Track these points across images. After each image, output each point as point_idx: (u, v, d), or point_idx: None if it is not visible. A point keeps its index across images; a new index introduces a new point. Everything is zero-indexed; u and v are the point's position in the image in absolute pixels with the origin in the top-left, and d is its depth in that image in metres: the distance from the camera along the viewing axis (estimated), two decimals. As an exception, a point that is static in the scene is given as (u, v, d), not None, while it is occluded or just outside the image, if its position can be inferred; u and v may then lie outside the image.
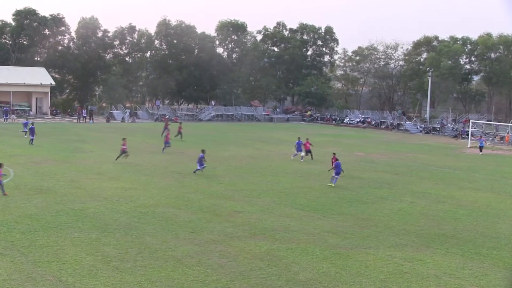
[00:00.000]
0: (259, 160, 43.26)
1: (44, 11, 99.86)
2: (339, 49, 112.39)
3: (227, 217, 24.64)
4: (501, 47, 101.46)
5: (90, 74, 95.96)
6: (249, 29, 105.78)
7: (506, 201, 31.30)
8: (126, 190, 29.32)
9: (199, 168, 35.26)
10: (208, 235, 21.73)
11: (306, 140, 44.01)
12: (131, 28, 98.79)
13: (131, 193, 28.56)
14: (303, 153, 42.61)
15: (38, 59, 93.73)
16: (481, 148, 55.34)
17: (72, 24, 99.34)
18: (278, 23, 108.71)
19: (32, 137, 46.63)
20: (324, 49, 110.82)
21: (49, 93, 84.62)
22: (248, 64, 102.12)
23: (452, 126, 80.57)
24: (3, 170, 27.41)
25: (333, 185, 32.72)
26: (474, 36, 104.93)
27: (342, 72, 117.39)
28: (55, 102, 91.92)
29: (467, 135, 66.91)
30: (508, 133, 69.65)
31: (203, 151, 36.04)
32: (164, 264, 18.16)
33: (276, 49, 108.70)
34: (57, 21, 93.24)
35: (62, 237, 20.52)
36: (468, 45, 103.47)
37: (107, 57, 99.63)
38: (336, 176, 32.97)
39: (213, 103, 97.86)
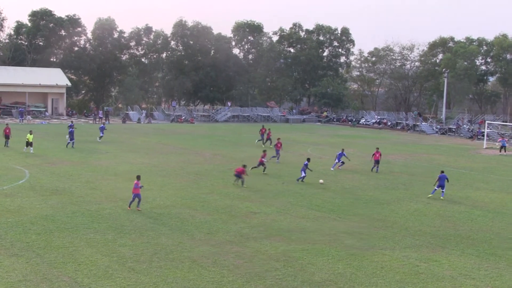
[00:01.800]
0: (274, 161, 43.25)
1: (60, 12, 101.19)
2: (355, 50, 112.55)
3: (243, 218, 24.74)
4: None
5: (106, 75, 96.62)
6: (265, 30, 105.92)
7: (523, 203, 31.09)
8: (142, 191, 29.41)
9: (302, 176, 34.42)
10: (224, 236, 21.83)
11: (278, 140, 44.39)
12: (147, 29, 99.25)
13: (147, 194, 28.71)
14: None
15: (54, 59, 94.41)
16: (503, 148, 55.92)
17: (89, 25, 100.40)
18: (294, 24, 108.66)
19: (70, 141, 46.27)
20: (340, 50, 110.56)
21: (65, 94, 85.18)
22: (264, 65, 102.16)
23: (467, 127, 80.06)
24: None
25: (442, 198, 31.17)
26: (490, 37, 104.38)
27: (358, 73, 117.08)
28: (70, 103, 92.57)
29: (483, 136, 66.46)
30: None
31: (308, 159, 35.39)
32: (180, 265, 18.28)
33: (292, 50, 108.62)
34: (73, 22, 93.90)
35: (78, 238, 20.71)
36: (484, 46, 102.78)
37: (123, 58, 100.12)
38: (442, 190, 31.27)
39: (229, 104, 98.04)
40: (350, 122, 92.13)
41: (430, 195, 31.42)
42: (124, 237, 21.02)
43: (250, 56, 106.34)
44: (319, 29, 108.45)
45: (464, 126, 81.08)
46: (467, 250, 21.22)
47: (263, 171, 36.90)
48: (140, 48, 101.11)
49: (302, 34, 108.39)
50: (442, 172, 31.88)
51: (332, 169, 39.81)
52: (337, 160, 40.51)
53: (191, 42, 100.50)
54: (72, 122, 53.11)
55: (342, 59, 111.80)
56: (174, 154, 45.33)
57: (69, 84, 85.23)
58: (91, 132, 56.12)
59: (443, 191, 31.19)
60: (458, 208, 28.74)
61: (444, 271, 18.73)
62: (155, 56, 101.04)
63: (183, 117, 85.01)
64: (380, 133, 77.62)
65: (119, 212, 24.79)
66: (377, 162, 39.54)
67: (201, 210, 25.85)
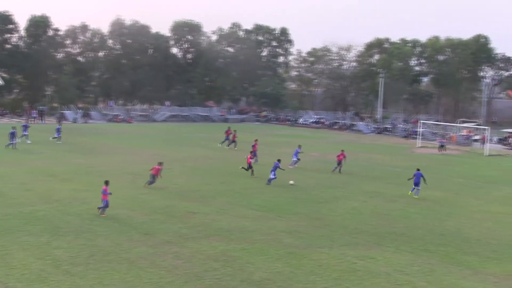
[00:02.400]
0: (215, 161, 43.25)
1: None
2: (293, 50, 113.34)
3: (182, 218, 24.58)
4: (448, 49, 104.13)
5: (41, 74, 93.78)
6: (204, 29, 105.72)
7: (453, 199, 32.17)
8: (79, 192, 28.91)
9: (271, 178, 34.01)
10: (163, 236, 21.64)
11: (255, 141, 44.36)
12: (84, 27, 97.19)
13: (84, 195, 28.17)
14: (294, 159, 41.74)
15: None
16: (442, 147, 57.87)
17: (22, 22, 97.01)
18: (233, 24, 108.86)
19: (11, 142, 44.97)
20: (279, 50, 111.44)
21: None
22: (203, 64, 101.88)
23: (402, 126, 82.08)
24: None
25: (415, 196, 31.89)
26: (423, 38, 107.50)
27: (296, 73, 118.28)
28: (3, 102, 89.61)
29: (417, 135, 68.32)
30: (454, 132, 71.45)
31: (279, 160, 35.10)
32: (117, 267, 18.00)
33: (231, 50, 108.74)
34: (4, 19, 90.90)
35: (10, 241, 20.07)
36: (418, 48, 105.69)
37: (59, 56, 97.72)
38: (417, 188, 32.11)
39: (167, 103, 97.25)
40: (288, 122, 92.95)
41: (410, 193, 32.35)
42: (59, 239, 20.53)
43: (189, 56, 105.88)
44: (258, 29, 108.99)
45: (399, 125, 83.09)
46: (401, 247, 21.76)
47: (252, 174, 36.38)
48: (76, 47, 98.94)
49: (241, 33, 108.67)
50: (418, 170, 32.86)
51: (290, 167, 40.11)
52: (294, 158, 41.08)
53: (129, 41, 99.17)
54: (27, 123, 52.17)
55: (281, 59, 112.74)
56: (112, 154, 44.63)
57: (1, 82, 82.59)
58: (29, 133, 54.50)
59: (418, 189, 32.05)
60: (394, 206, 29.43)
61: (380, 268, 19.15)
62: (91, 54, 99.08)
63: (121, 117, 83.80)
64: (318, 132, 78.64)
65: (54, 214, 24.19)
66: (339, 162, 40.04)
67: (139, 211, 25.53)
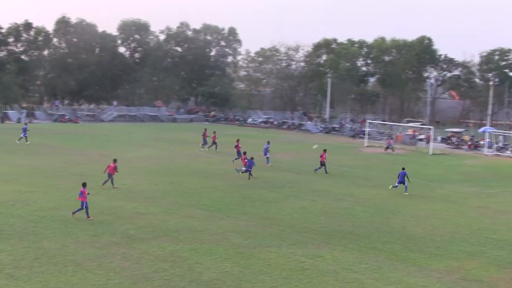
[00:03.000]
0: (163, 161, 42.91)
1: None
2: (242, 50, 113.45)
3: (130, 219, 24.30)
4: (393, 50, 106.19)
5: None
6: (152, 28, 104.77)
7: (399, 198, 32.81)
8: (23, 193, 28.22)
9: (244, 170, 35.90)
10: (110, 237, 21.35)
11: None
12: (27, 25, 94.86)
13: (29, 196, 27.54)
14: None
15: None
16: (389, 148, 58.87)
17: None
18: (182, 23, 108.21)
19: None
20: (227, 49, 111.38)
21: None
22: (151, 64, 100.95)
23: (350, 126, 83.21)
24: None
25: (406, 193, 33.56)
26: (370, 39, 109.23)
27: (245, 73, 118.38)
28: None
29: (364, 134, 69.39)
30: (400, 132, 72.92)
31: (251, 158, 36.67)
32: (63, 269, 17.66)
33: (179, 49, 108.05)
34: None
35: (-48, 245, 19.48)
36: (365, 48, 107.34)
37: (1, 55, 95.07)
38: (404, 185, 34.00)
39: (115, 103, 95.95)
40: (237, 122, 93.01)
41: (391, 187, 34.63)
42: (2, 242, 20.00)
43: (137, 55, 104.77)
44: (207, 28, 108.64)
45: (347, 125, 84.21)
46: (349, 245, 22.06)
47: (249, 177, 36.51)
48: (19, 45, 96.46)
49: (189, 33, 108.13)
50: (403, 169, 34.77)
51: (268, 164, 41.36)
52: (267, 155, 41.69)
53: (75, 40, 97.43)
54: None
55: (230, 58, 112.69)
56: (58, 154, 43.77)
57: None
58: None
59: (406, 186, 33.94)
60: (342, 205, 29.81)
61: (328, 266, 19.37)
62: (36, 53, 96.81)
63: (67, 117, 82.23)
64: (267, 132, 78.88)
65: (-3, 217, 23.54)
66: (322, 163, 40.56)
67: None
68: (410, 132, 73.60)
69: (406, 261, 20.41)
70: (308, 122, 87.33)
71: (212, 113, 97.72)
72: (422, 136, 71.28)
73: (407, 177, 34.09)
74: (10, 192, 28.35)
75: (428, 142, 64.42)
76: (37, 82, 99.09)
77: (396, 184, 34.36)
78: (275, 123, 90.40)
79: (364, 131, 70.28)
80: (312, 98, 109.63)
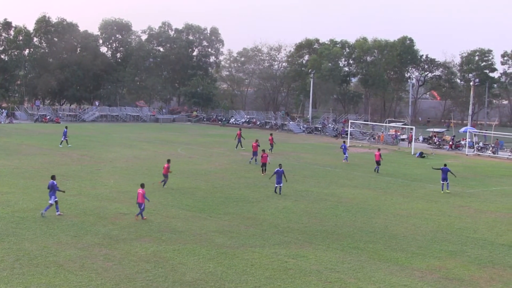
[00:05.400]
0: (145, 161, 42.73)
1: None
2: (224, 50, 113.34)
3: (112, 220, 24.18)
4: (375, 51, 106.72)
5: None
6: (134, 28, 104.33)
7: (381, 197, 32.98)
8: (3, 194, 27.95)
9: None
10: (92, 238, 21.22)
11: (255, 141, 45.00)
12: (7, 24, 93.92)
13: (9, 197, 27.28)
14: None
15: None
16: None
17: None
18: (164, 23, 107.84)
19: None
20: (209, 49, 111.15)
21: None
22: (133, 64, 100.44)
23: (332, 126, 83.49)
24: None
25: (447, 191, 33.84)
26: (351, 39, 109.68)
27: (227, 73, 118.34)
28: None
29: (347, 134, 69.66)
30: (382, 132, 73.32)
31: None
32: (45, 271, 17.52)
33: (161, 49, 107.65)
34: None
35: None
36: (347, 48, 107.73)
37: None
38: (446, 183, 34.52)
39: (97, 103, 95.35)
40: (220, 122, 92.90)
41: (444, 191, 34.62)
42: (-17, 244, 19.79)
43: (119, 55, 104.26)
44: (189, 28, 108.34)
45: (329, 125, 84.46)
46: (332, 245, 22.13)
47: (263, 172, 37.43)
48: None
49: (171, 33, 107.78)
50: (445, 165, 35.46)
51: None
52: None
53: (56, 39, 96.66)
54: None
55: (212, 58, 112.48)
56: (39, 155, 43.39)
57: None
58: None
59: (447, 183, 34.64)
60: (324, 205, 29.89)
61: (311, 266, 19.42)
62: (16, 53, 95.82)
63: (48, 117, 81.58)
64: (249, 132, 78.84)
65: (-23, 218, 23.29)
66: (378, 162, 41.94)
67: (67, 213, 24.94)
68: (392, 132, 74.05)
69: (388, 261, 20.52)
70: (291, 122, 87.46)
71: (195, 113, 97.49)
72: (404, 136, 71.74)
73: (452, 173, 34.99)
74: (-10, 193, 28.06)
75: (410, 142, 64.81)
76: (17, 81, 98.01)
77: (442, 182, 34.95)
78: (258, 123, 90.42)
79: (347, 131, 70.52)
80: (295, 98, 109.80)
